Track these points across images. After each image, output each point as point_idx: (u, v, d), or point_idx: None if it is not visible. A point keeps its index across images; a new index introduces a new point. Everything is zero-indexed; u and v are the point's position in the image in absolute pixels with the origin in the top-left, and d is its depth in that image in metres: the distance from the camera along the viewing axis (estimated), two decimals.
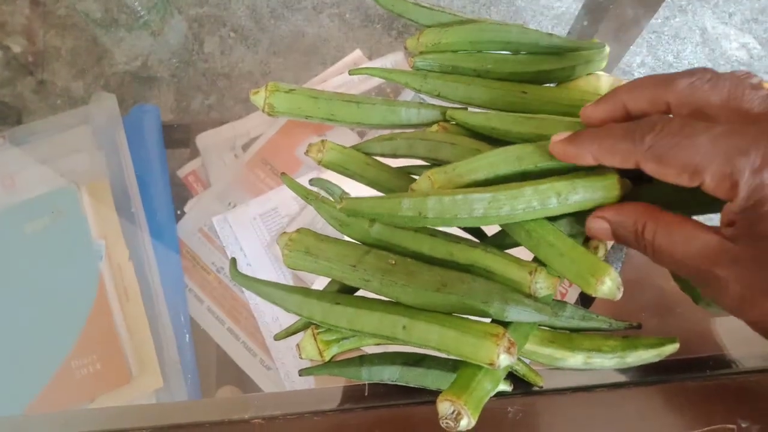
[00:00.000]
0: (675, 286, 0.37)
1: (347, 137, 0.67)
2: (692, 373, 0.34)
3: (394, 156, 0.42)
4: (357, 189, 0.42)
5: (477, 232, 0.39)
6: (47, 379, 0.59)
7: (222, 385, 0.66)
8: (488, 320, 0.31)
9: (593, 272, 0.29)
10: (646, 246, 0.29)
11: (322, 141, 0.41)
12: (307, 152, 0.41)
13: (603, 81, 0.43)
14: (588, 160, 0.30)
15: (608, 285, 0.29)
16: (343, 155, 0.41)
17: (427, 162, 0.41)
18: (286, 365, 0.63)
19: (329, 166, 0.42)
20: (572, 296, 0.63)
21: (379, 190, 0.41)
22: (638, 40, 0.83)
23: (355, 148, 0.43)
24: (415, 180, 0.36)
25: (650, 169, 0.28)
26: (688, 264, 0.27)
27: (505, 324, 0.31)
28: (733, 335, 0.39)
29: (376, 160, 0.42)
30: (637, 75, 0.92)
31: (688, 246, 0.27)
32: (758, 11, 1.04)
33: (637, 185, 0.33)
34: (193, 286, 0.67)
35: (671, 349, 0.35)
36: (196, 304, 0.67)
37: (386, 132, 0.44)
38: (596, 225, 0.31)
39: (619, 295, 0.29)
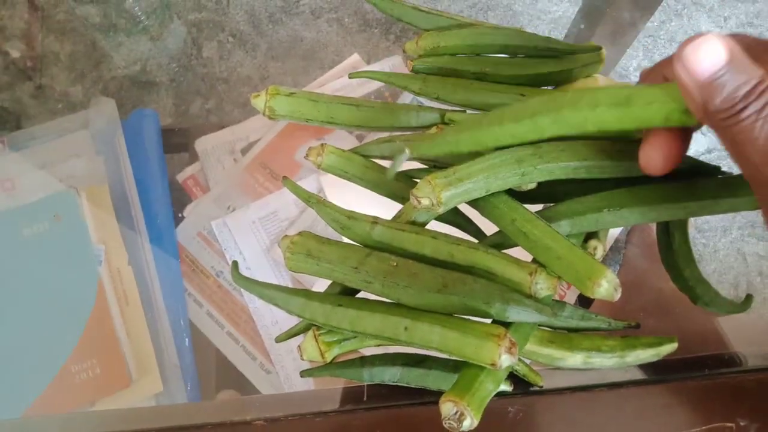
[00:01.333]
0: (673, 287, 0.38)
1: (346, 141, 0.68)
2: (691, 372, 0.34)
3: (393, 158, 0.42)
4: (357, 192, 0.42)
5: (476, 230, 0.39)
6: (46, 383, 0.59)
7: (222, 389, 0.66)
8: (489, 321, 0.31)
9: (590, 274, 0.29)
10: (751, 110, 0.24)
11: (322, 145, 0.42)
12: (306, 156, 0.41)
13: (600, 83, 0.44)
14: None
15: (605, 287, 0.29)
16: (343, 159, 0.41)
17: (425, 164, 0.41)
18: (285, 368, 0.63)
19: (329, 169, 0.42)
20: (571, 298, 0.63)
21: (378, 192, 0.41)
22: (635, 44, 0.84)
23: (353, 151, 0.43)
24: (415, 183, 0.36)
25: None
26: None
27: (506, 324, 0.31)
28: (731, 334, 0.39)
29: (375, 163, 0.42)
30: (633, 79, 0.93)
31: None
32: (753, 15, 1.05)
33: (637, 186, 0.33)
34: (193, 291, 0.67)
35: (670, 348, 0.35)
36: (195, 308, 0.67)
37: (385, 135, 0.45)
38: (709, 50, 0.24)
39: (616, 297, 0.29)
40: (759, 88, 0.24)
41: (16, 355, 0.60)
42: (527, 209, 0.33)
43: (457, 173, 0.33)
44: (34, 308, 0.62)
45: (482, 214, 0.35)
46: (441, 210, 0.33)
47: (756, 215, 0.84)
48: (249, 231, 0.68)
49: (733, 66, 0.24)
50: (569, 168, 0.33)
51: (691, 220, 0.85)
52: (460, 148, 0.34)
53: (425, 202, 0.32)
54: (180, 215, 0.70)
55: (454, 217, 0.39)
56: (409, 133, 0.45)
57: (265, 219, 0.68)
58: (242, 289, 0.66)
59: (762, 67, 0.24)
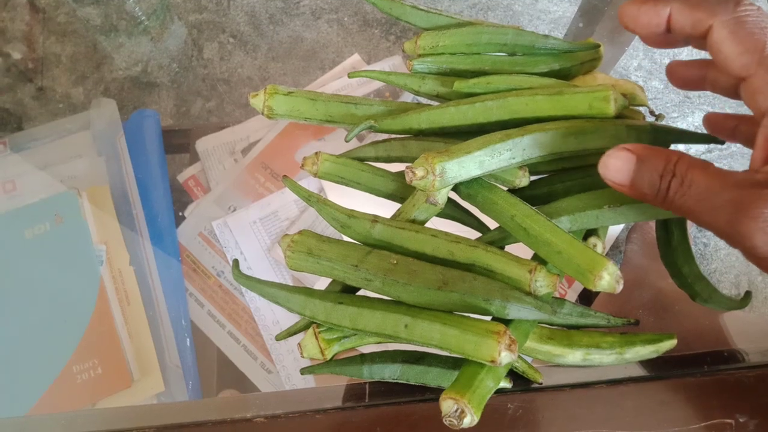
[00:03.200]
0: (672, 283, 0.38)
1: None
2: (690, 369, 0.34)
3: (388, 158, 0.42)
4: (356, 196, 0.42)
5: (477, 223, 0.39)
6: (48, 383, 0.59)
7: (223, 388, 0.66)
8: (489, 318, 0.31)
9: (591, 267, 0.29)
10: (674, 184, 0.27)
11: (316, 153, 0.42)
12: (302, 166, 0.41)
13: (599, 81, 0.44)
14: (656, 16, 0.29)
15: (607, 279, 0.29)
16: (337, 164, 0.41)
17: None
18: (287, 368, 0.64)
19: (325, 177, 0.42)
20: (572, 297, 0.63)
21: (376, 195, 0.41)
22: (635, 44, 0.84)
23: (347, 155, 0.43)
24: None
25: (723, 34, 0.27)
26: (725, 199, 0.25)
27: (506, 322, 0.31)
28: (732, 332, 0.39)
29: (370, 165, 0.42)
30: (634, 78, 0.93)
31: (726, 178, 0.25)
32: None
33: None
34: (194, 290, 0.68)
35: (669, 345, 0.35)
36: (196, 308, 0.67)
37: (384, 135, 0.45)
38: (617, 158, 0.28)
39: (618, 289, 0.29)
40: (669, 166, 0.27)
41: (19, 355, 0.61)
42: (527, 204, 0.33)
43: (452, 149, 0.33)
44: (35, 309, 0.62)
45: (482, 210, 0.35)
46: (437, 184, 0.32)
47: None
48: (250, 231, 0.68)
49: (643, 162, 0.28)
50: (555, 138, 0.33)
51: None
52: (420, 125, 0.39)
53: (420, 172, 0.32)
54: (181, 215, 0.70)
55: (454, 212, 0.39)
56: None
57: (266, 219, 0.68)
58: (243, 290, 0.67)
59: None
